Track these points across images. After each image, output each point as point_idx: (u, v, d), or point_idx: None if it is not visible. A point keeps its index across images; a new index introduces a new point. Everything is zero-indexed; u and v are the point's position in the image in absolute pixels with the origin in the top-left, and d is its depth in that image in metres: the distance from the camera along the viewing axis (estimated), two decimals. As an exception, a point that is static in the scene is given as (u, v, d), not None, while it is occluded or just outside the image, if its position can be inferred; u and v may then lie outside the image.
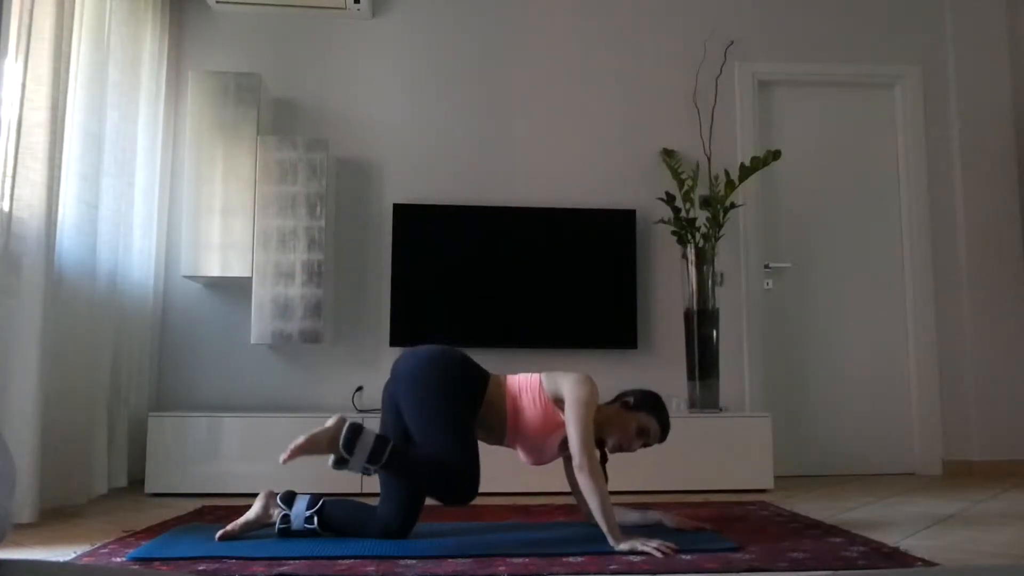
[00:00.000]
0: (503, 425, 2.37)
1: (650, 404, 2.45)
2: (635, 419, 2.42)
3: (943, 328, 4.26)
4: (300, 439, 2.21)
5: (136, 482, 3.53)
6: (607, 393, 2.55)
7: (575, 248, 4.01)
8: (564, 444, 2.37)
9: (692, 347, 3.88)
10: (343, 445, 2.19)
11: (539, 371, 2.48)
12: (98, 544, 2.33)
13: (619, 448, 2.44)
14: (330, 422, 2.25)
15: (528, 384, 2.40)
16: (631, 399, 2.44)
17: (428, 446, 2.28)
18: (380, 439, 2.23)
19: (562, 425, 2.34)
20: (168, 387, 3.89)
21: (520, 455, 2.42)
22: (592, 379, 2.37)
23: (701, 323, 3.87)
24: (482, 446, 2.38)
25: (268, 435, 3.44)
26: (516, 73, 4.23)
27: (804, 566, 2.03)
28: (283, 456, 2.20)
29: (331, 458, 2.22)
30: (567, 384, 2.34)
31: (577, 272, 3.99)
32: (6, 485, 1.24)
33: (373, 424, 3.45)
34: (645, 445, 2.46)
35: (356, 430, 2.21)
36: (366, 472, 2.24)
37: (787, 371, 4.22)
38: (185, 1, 4.10)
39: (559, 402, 2.35)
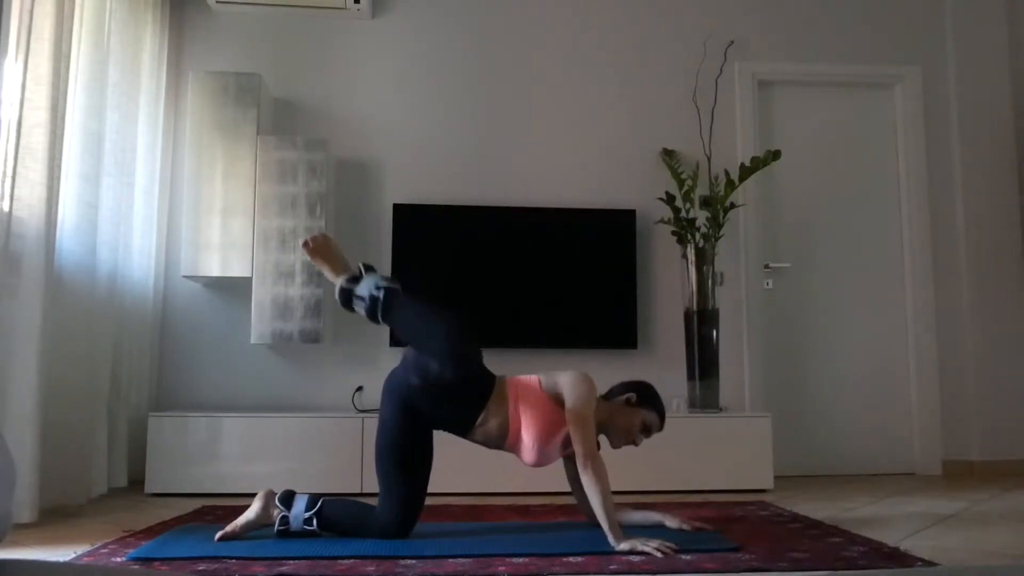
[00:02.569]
0: (505, 428, 2.36)
1: (650, 398, 2.49)
2: (639, 416, 2.46)
3: (943, 328, 4.26)
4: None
5: (136, 482, 3.53)
6: (602, 389, 2.55)
7: (575, 248, 4.01)
8: (566, 443, 2.38)
9: (692, 347, 3.88)
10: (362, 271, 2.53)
11: (536, 372, 2.49)
12: (98, 544, 2.33)
13: (624, 444, 2.48)
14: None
15: (529, 386, 2.40)
16: (633, 396, 2.46)
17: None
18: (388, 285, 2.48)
19: (564, 424, 2.34)
20: (168, 387, 3.89)
21: (521, 457, 2.42)
22: (589, 376, 2.38)
23: (701, 323, 3.87)
24: (483, 449, 2.38)
25: (268, 435, 3.45)
26: (516, 73, 4.23)
27: (804, 566, 2.03)
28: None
29: (338, 285, 2.53)
30: (566, 383, 2.36)
31: (577, 272, 3.99)
32: (6, 485, 1.24)
33: (372, 422, 3.45)
34: (647, 437, 2.50)
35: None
36: (373, 304, 2.45)
37: (787, 371, 4.22)
38: (185, 1, 4.11)
39: (558, 400, 2.36)
